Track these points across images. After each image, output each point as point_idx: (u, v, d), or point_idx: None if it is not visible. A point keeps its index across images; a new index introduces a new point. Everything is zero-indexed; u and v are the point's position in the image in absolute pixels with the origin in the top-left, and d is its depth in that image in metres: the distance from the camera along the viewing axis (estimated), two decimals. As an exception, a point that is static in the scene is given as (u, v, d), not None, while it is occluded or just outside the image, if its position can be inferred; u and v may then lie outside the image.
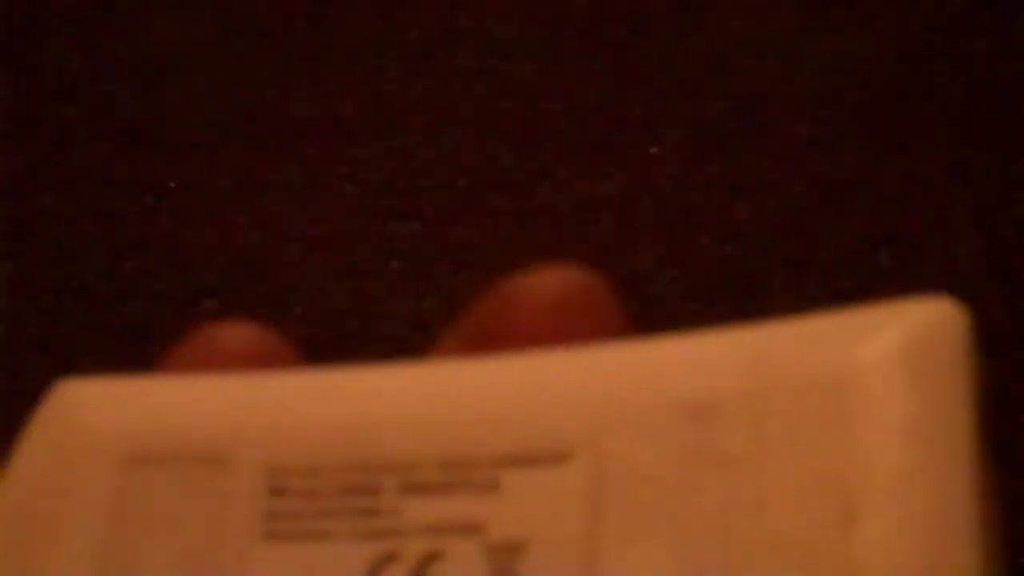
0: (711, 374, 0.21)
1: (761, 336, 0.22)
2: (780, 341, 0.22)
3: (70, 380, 0.23)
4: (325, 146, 1.26)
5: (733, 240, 1.22)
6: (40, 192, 1.24)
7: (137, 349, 1.16)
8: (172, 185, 1.24)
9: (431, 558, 0.21)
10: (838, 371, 0.21)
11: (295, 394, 0.23)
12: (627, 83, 1.28)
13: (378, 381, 0.23)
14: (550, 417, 0.22)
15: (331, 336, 1.15)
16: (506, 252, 1.21)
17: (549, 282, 0.24)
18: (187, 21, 1.31)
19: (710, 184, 1.24)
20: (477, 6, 1.32)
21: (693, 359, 0.22)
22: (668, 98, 1.28)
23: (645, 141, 1.26)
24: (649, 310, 1.18)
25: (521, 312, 0.23)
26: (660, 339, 0.22)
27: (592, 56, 1.30)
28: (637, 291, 1.19)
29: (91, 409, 0.23)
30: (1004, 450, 1.02)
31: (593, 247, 1.21)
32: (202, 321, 0.24)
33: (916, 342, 0.21)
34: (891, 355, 0.21)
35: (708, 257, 1.21)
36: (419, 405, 0.22)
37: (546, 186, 1.24)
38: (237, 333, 0.24)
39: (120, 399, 0.23)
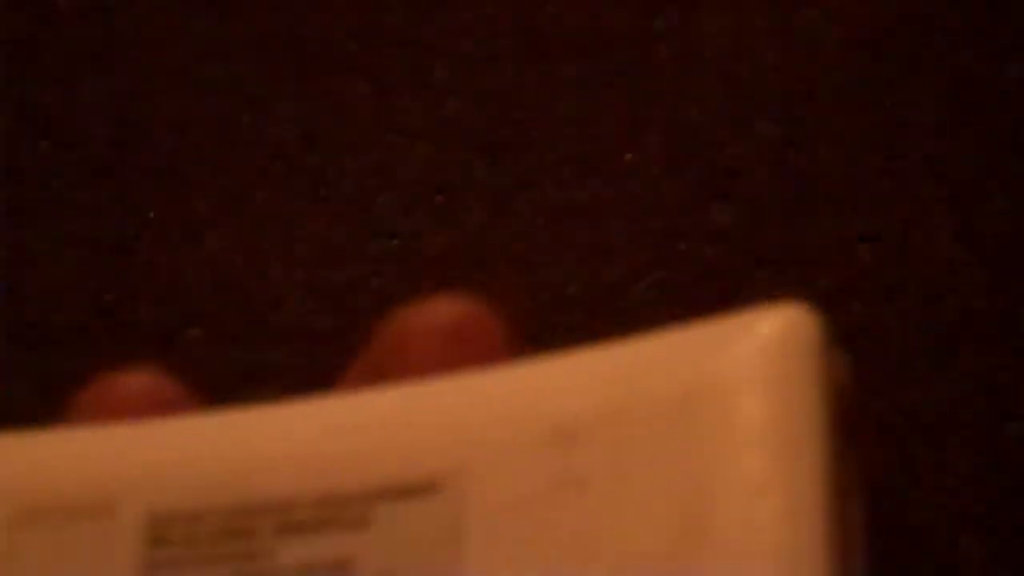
0: (571, 398, 0.22)
1: (620, 355, 0.22)
2: (637, 359, 0.22)
3: None
4: (301, 167, 1.26)
5: (712, 243, 1.22)
6: (20, 227, 1.24)
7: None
8: (151, 215, 1.24)
9: None
10: (692, 385, 0.21)
11: (177, 440, 0.23)
12: (599, 92, 1.29)
13: (257, 422, 0.23)
14: (418, 449, 0.22)
15: (316, 357, 1.15)
16: (486, 265, 1.21)
17: (436, 314, 0.24)
18: (158, 51, 1.32)
19: (686, 188, 1.24)
20: (447, 21, 1.32)
21: (554, 383, 0.22)
22: (641, 105, 1.28)
23: (620, 148, 1.26)
24: (630, 317, 1.18)
25: (410, 345, 0.24)
26: (526, 364, 0.23)
27: (563, 66, 1.30)
28: (618, 298, 1.20)
29: None
30: (992, 443, 1.03)
31: (572, 256, 1.21)
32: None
33: (768, 351, 0.21)
34: (743, 366, 0.21)
35: (688, 261, 1.21)
36: (295, 444, 0.23)
37: (523, 197, 1.24)
38: (133, 382, 0.24)
39: (9, 455, 0.24)
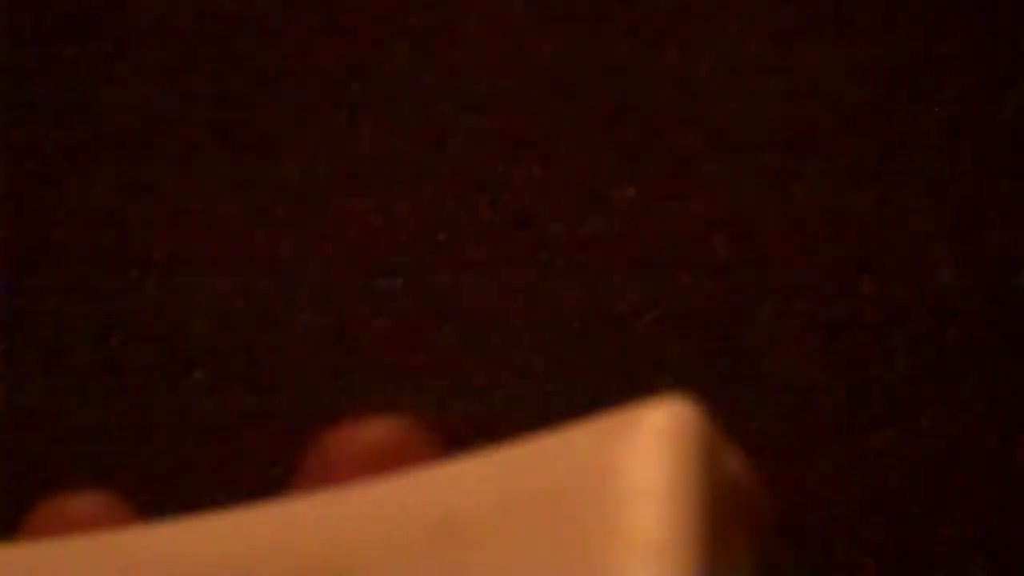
0: (454, 496, 0.23)
1: (508, 454, 0.23)
2: (524, 457, 0.23)
3: None
4: (303, 208, 1.26)
5: (715, 276, 1.22)
6: (25, 272, 1.25)
7: (128, 423, 1.17)
8: (155, 257, 1.24)
9: None
10: (573, 481, 0.22)
11: (102, 555, 0.25)
12: (600, 127, 1.29)
13: (176, 535, 0.25)
14: (309, 556, 0.23)
15: (319, 398, 1.16)
16: (489, 302, 1.21)
17: (359, 437, 0.26)
18: (161, 94, 1.32)
19: (689, 221, 1.25)
20: (446, 62, 1.33)
21: (442, 483, 0.24)
22: (642, 139, 1.29)
23: (621, 183, 1.26)
24: (634, 352, 1.18)
25: (333, 469, 0.26)
26: (419, 469, 0.24)
27: (564, 103, 1.31)
28: (621, 333, 1.20)
29: None
30: (998, 471, 1.02)
31: (575, 292, 1.21)
32: (60, 491, 0.26)
33: (649, 447, 0.22)
34: (624, 462, 0.22)
35: (691, 295, 1.21)
36: (203, 557, 0.24)
37: (525, 234, 1.24)
38: (81, 502, 0.27)
39: None
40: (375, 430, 0.26)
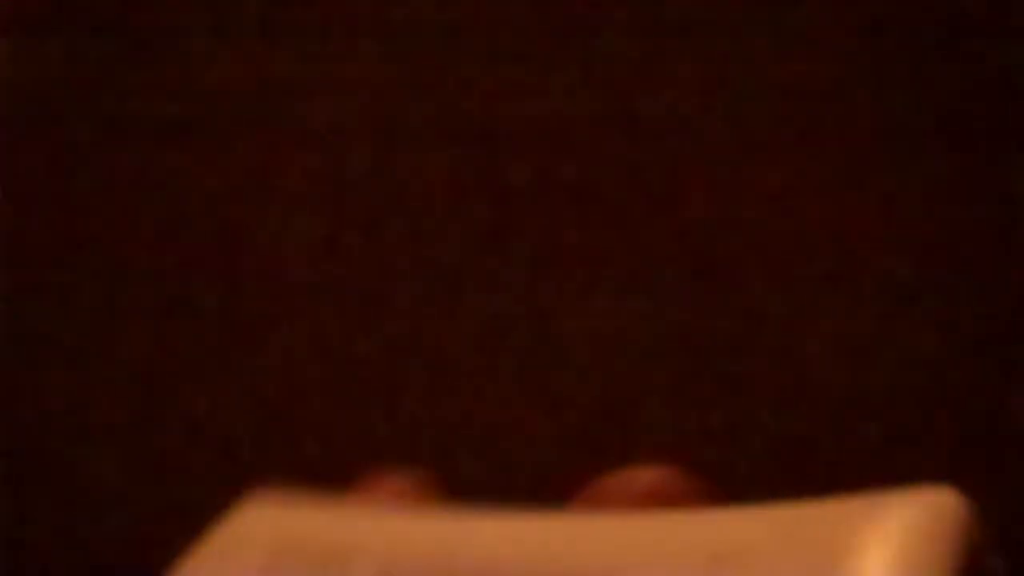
0: (736, 532, 0.26)
1: (783, 510, 0.26)
2: (799, 515, 0.25)
3: (254, 495, 0.32)
4: (389, 214, 1.26)
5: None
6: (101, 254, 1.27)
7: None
8: (245, 248, 1.26)
9: None
10: (840, 549, 0.24)
11: (410, 524, 0.29)
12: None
13: (473, 526, 0.29)
14: (605, 566, 0.26)
15: (403, 405, 1.16)
16: (580, 323, 1.19)
17: (640, 479, 0.30)
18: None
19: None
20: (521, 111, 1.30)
21: (722, 522, 0.26)
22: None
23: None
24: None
25: (612, 500, 0.30)
26: (705, 510, 0.28)
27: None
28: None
29: (259, 516, 0.31)
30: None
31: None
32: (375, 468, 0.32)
33: (911, 532, 0.23)
34: (886, 542, 0.23)
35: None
36: (500, 549, 0.28)
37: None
38: (398, 477, 0.32)
39: (276, 513, 0.31)
40: (651, 476, 0.30)
